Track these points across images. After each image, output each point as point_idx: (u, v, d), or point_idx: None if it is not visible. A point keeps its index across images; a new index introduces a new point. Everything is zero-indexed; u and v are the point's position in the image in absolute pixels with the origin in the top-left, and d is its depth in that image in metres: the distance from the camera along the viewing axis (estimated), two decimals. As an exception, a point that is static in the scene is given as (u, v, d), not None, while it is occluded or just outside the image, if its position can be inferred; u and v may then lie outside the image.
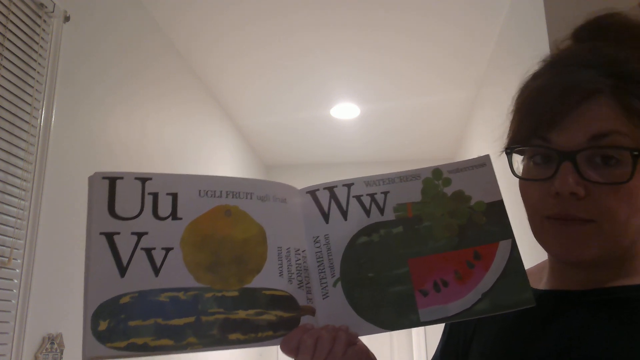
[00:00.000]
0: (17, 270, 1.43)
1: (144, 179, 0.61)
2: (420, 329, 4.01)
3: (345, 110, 3.37)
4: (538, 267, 0.69)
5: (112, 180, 0.60)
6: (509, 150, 0.61)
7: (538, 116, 0.56)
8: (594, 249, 0.54)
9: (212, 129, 3.18)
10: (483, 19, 2.38)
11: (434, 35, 2.51)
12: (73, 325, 1.65)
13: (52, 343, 1.55)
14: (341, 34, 2.51)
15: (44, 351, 1.51)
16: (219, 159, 3.28)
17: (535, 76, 0.60)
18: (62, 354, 1.58)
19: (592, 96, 0.53)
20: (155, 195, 0.60)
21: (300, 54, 2.70)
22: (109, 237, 0.58)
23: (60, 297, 1.61)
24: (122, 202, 0.59)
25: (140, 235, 0.59)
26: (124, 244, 0.58)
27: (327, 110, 3.38)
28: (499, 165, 0.68)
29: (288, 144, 4.05)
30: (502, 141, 0.64)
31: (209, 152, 3.09)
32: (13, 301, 1.42)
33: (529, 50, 1.90)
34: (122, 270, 0.58)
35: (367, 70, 2.87)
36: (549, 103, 0.56)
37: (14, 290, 1.43)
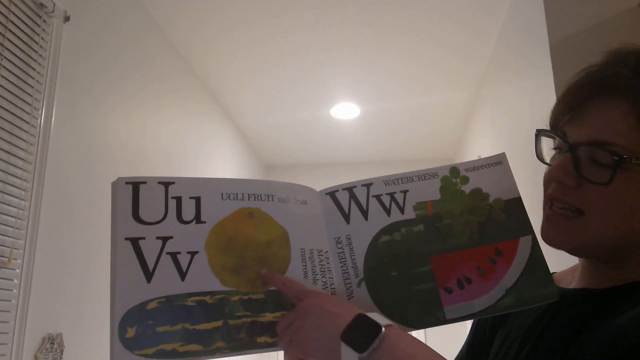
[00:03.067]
0: (17, 270, 1.43)
1: (167, 183, 0.61)
2: (420, 330, 4.01)
3: (345, 110, 3.37)
4: (571, 270, 0.69)
5: (136, 185, 0.60)
6: (537, 133, 0.64)
7: (561, 108, 0.60)
8: (576, 240, 0.57)
9: (212, 129, 3.18)
10: (483, 18, 2.38)
11: (434, 34, 2.51)
12: (73, 325, 1.65)
13: (52, 343, 1.55)
14: (341, 33, 2.51)
15: (44, 351, 1.51)
16: (219, 158, 3.28)
17: (582, 71, 0.61)
18: (62, 354, 1.58)
19: (609, 95, 0.55)
20: (178, 199, 0.60)
21: (299, 53, 2.70)
22: (134, 242, 0.58)
23: (60, 297, 1.61)
24: (146, 206, 0.59)
25: (165, 239, 0.59)
26: (150, 249, 0.58)
27: (327, 110, 3.38)
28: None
29: (288, 144, 4.05)
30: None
31: (208, 152, 3.08)
32: (13, 301, 1.42)
33: (530, 49, 1.90)
34: (149, 275, 0.57)
35: (367, 70, 2.87)
36: (572, 97, 0.59)
37: (14, 290, 1.42)
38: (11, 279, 1.41)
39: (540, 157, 0.64)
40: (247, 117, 3.49)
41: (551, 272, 0.67)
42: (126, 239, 0.58)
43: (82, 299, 1.68)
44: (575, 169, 0.56)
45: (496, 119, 2.67)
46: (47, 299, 1.54)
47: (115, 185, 0.59)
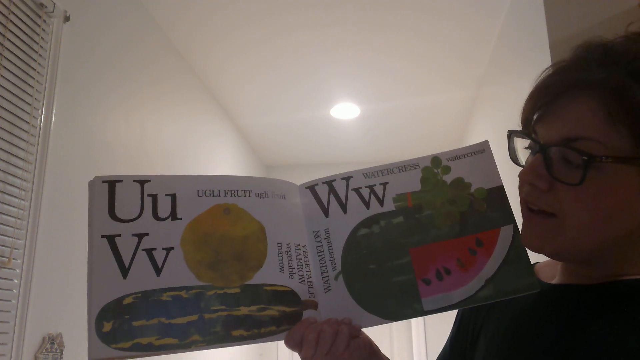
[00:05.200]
0: (17, 270, 1.43)
1: (142, 181, 0.62)
2: (420, 322, 4.03)
3: (345, 110, 3.37)
4: (552, 262, 0.68)
5: (112, 184, 0.61)
6: (509, 134, 0.62)
7: (530, 106, 0.58)
8: (552, 245, 0.56)
9: (212, 129, 3.18)
10: (483, 18, 2.37)
11: (434, 34, 2.51)
12: (73, 325, 1.65)
13: (52, 343, 1.55)
14: (341, 33, 2.51)
15: (44, 351, 1.51)
16: (219, 158, 3.28)
17: (551, 67, 0.59)
18: (62, 354, 1.58)
19: (578, 91, 0.54)
20: (154, 197, 0.62)
21: (300, 53, 2.70)
22: (111, 239, 0.59)
23: (60, 297, 1.61)
24: (122, 204, 0.60)
25: (141, 236, 0.60)
26: (125, 246, 0.59)
27: (327, 110, 3.38)
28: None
29: (288, 144, 4.05)
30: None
31: (208, 152, 3.09)
32: (13, 301, 1.42)
33: (529, 49, 1.91)
34: (125, 271, 0.59)
35: (367, 70, 2.87)
36: (541, 95, 0.57)
37: (14, 290, 1.42)
38: (11, 279, 1.42)
39: (514, 159, 0.63)
40: (247, 117, 3.49)
41: (533, 262, 0.66)
42: (102, 236, 0.59)
43: (82, 299, 1.67)
44: (547, 170, 0.54)
45: (496, 119, 2.67)
46: (47, 299, 1.54)
47: (92, 184, 0.61)
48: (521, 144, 0.62)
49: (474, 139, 3.36)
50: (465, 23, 2.41)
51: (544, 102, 0.57)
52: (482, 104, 3.04)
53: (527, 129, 0.59)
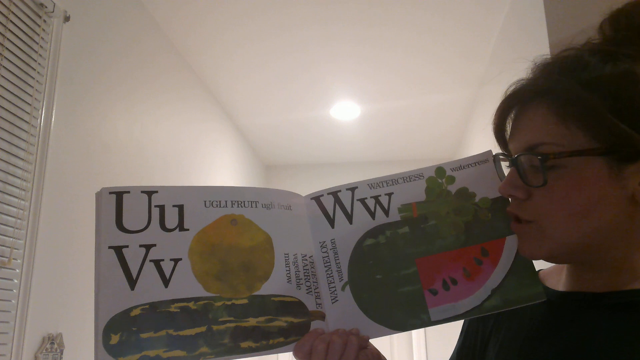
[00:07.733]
0: (17, 270, 1.43)
1: (150, 192, 0.62)
2: (420, 330, 4.01)
3: (346, 110, 3.37)
4: (558, 267, 0.69)
5: (119, 195, 0.61)
6: (494, 158, 0.66)
7: (493, 129, 0.63)
8: (542, 249, 0.58)
9: (211, 129, 3.18)
10: (485, 15, 2.37)
11: (435, 30, 2.49)
12: (73, 325, 1.65)
13: (52, 343, 1.55)
14: (342, 30, 2.49)
15: (44, 351, 1.51)
16: (218, 159, 3.28)
17: (512, 85, 0.62)
18: (62, 354, 1.58)
19: (530, 103, 0.58)
20: (161, 208, 0.62)
21: (299, 53, 2.69)
22: (118, 250, 0.59)
23: (60, 297, 1.61)
24: (130, 215, 0.60)
25: (148, 247, 0.60)
26: (133, 257, 0.59)
27: (327, 110, 3.37)
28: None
29: (288, 144, 4.05)
30: None
31: (207, 152, 3.08)
32: (13, 301, 1.42)
33: (530, 48, 1.91)
34: (132, 282, 0.58)
35: (367, 68, 2.85)
36: (498, 117, 0.62)
37: (14, 290, 1.42)
38: (11, 279, 1.41)
39: (502, 178, 0.65)
40: (246, 116, 3.48)
41: (537, 269, 0.67)
42: (110, 247, 0.59)
43: (82, 299, 1.68)
44: (522, 179, 0.57)
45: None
46: (47, 299, 1.54)
47: (99, 195, 0.61)
48: (505, 164, 0.64)
49: (475, 138, 3.36)
50: (466, 19, 2.40)
51: (500, 122, 0.61)
52: (483, 103, 3.04)
53: (505, 148, 0.63)
